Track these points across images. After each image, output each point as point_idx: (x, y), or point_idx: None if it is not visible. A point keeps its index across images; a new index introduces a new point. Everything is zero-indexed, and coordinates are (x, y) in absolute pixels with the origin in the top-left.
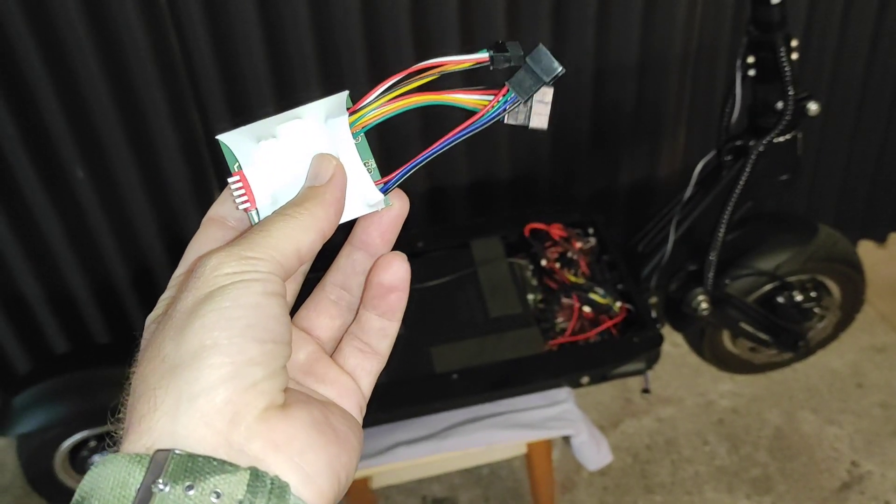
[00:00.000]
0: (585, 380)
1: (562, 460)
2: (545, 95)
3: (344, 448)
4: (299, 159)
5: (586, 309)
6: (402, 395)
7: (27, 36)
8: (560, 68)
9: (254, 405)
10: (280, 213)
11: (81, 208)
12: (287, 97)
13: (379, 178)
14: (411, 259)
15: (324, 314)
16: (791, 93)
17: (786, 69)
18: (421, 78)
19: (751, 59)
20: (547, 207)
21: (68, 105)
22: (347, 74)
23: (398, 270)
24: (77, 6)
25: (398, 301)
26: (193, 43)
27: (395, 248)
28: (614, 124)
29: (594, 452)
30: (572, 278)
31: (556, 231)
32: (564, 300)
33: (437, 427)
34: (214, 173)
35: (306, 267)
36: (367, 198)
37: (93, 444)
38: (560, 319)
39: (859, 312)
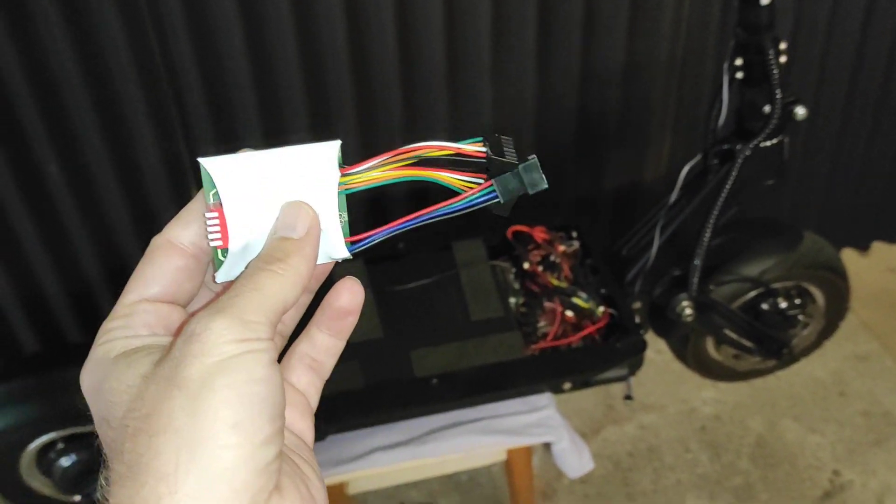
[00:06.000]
0: (567, 385)
1: (542, 467)
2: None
3: None
4: (279, 202)
5: (569, 313)
6: (380, 398)
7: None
8: (545, 185)
9: (265, 488)
10: (266, 269)
11: (54, 205)
12: (269, 98)
13: (348, 233)
14: (392, 261)
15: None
16: (779, 96)
17: (774, 72)
18: (415, 153)
19: (738, 62)
20: (530, 210)
21: (42, 98)
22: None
23: (357, 295)
24: (56, 9)
25: (351, 325)
26: (173, 40)
27: (376, 248)
28: (600, 128)
29: (575, 460)
30: (555, 282)
31: (539, 234)
32: (547, 304)
33: (416, 432)
34: (191, 170)
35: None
36: (333, 251)
37: (60, 446)
38: (542, 323)
39: (843, 321)
